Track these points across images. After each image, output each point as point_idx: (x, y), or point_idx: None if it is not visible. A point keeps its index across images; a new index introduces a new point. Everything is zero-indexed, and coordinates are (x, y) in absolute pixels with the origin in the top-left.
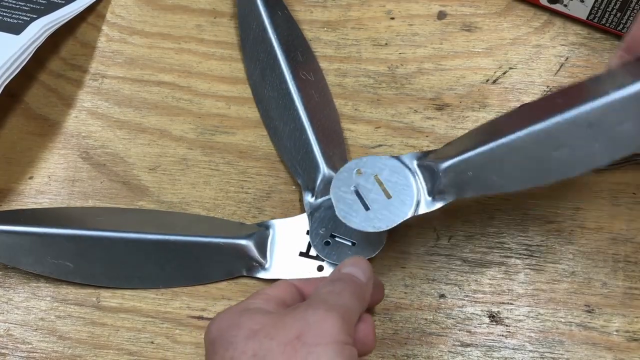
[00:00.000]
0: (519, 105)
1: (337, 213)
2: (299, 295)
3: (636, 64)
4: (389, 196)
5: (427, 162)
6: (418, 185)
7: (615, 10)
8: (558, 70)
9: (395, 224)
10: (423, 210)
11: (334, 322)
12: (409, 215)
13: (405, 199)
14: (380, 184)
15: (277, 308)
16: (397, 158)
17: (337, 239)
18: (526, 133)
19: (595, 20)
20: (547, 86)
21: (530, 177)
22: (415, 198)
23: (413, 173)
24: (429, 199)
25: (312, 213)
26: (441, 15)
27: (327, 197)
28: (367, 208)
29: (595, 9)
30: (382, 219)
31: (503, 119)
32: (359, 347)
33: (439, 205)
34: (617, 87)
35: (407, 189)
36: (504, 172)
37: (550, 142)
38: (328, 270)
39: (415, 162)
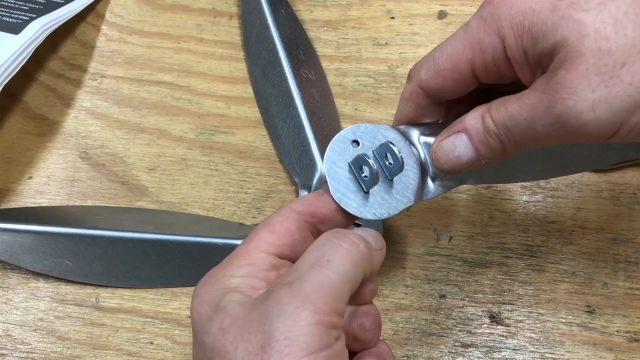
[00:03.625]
0: None
1: (331, 192)
2: (305, 229)
3: None
4: (390, 176)
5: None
6: (423, 166)
7: None
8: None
9: (398, 211)
10: (428, 196)
11: (306, 323)
12: (413, 201)
13: (408, 182)
14: (381, 159)
15: (266, 275)
16: (399, 130)
17: None
18: None
19: None
20: None
21: (545, 170)
22: (419, 181)
23: (417, 150)
24: (433, 184)
25: None
26: (441, 15)
27: None
28: (365, 190)
29: None
30: (383, 204)
31: None
32: (357, 337)
33: (442, 191)
34: None
35: (411, 169)
36: (519, 163)
37: None
38: None
39: (419, 137)
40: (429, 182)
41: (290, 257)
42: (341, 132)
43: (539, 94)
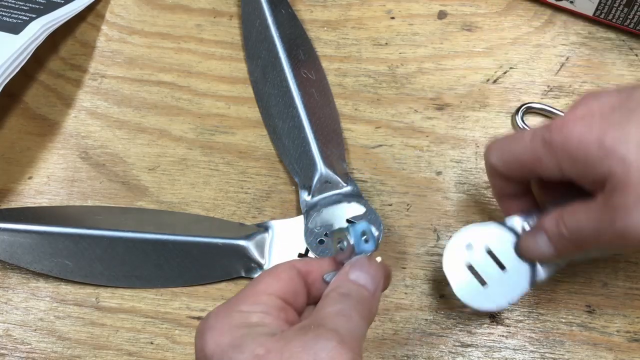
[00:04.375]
0: (519, 105)
1: (455, 293)
2: (302, 284)
3: None
4: (503, 268)
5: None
6: None
7: (622, 6)
8: (559, 70)
9: (517, 299)
10: (539, 279)
11: (346, 359)
12: (528, 287)
13: (521, 271)
14: (493, 255)
15: (278, 315)
16: (505, 225)
17: None
18: None
19: (602, 16)
20: (548, 86)
21: None
22: (530, 268)
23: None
24: (542, 267)
25: (308, 211)
26: (441, 15)
27: (323, 195)
28: (483, 283)
29: (602, 4)
30: (501, 293)
31: None
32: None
33: (552, 271)
34: None
35: (522, 259)
36: None
37: None
38: None
39: (525, 227)
40: (539, 266)
41: (293, 304)
42: (453, 239)
43: (601, 212)
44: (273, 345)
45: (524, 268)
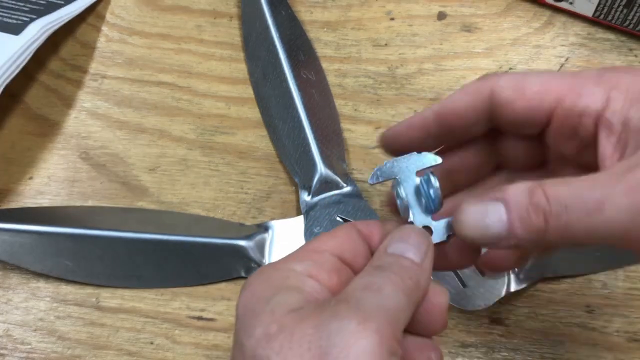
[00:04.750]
0: None
1: None
2: (364, 245)
3: None
4: (482, 273)
5: None
6: None
7: (621, 7)
8: (558, 71)
9: (492, 303)
10: (513, 288)
11: (368, 342)
12: (503, 294)
13: (498, 278)
14: None
15: (329, 277)
16: None
17: None
18: None
19: (601, 17)
20: None
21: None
22: (506, 277)
23: None
24: (517, 277)
25: (308, 211)
26: (441, 16)
27: (322, 195)
28: (463, 285)
29: (602, 5)
30: (479, 296)
31: None
32: (423, 328)
33: (525, 284)
34: None
35: None
36: (588, 258)
37: None
38: None
39: None
40: (512, 276)
41: (352, 263)
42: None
43: (616, 177)
44: (287, 323)
45: (500, 279)
